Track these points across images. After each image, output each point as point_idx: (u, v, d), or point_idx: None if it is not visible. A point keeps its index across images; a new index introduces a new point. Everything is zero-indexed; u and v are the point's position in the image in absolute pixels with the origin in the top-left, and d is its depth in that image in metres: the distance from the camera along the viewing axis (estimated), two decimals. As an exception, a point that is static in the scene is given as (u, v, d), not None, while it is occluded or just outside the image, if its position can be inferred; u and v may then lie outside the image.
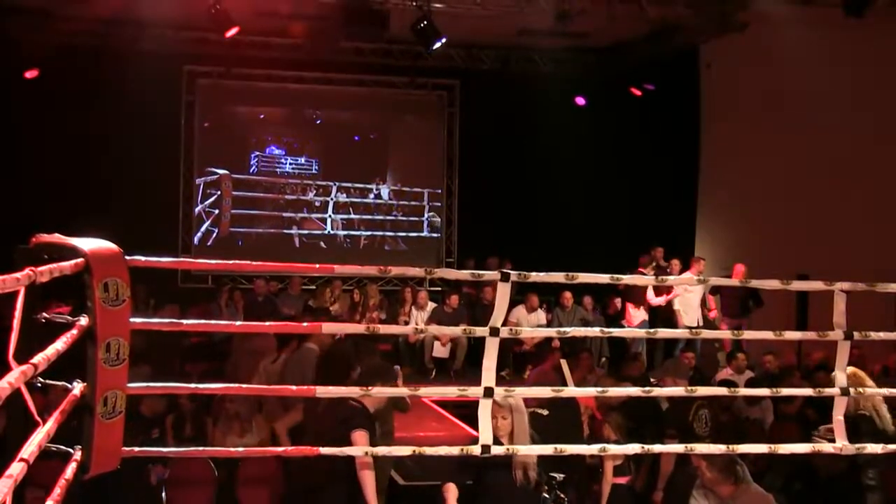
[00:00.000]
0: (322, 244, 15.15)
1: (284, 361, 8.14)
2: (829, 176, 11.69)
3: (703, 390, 5.34)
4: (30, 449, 2.45)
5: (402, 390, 5.65)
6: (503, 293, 3.78)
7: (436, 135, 15.62)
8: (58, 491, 2.64)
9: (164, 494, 6.64)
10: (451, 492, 4.61)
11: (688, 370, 7.34)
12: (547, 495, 5.08)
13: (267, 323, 4.63)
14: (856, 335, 4.21)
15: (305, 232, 15.15)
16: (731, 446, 4.22)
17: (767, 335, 4.38)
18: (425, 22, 11.71)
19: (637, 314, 11.95)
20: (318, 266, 3.95)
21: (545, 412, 6.31)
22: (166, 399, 7.07)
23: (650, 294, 11.89)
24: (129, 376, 2.99)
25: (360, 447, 4.52)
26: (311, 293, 12.46)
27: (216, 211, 14.69)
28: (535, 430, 4.91)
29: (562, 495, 5.30)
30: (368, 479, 4.57)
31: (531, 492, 4.78)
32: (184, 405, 7.44)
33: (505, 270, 3.77)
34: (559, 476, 5.31)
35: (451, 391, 5.21)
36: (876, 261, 9.89)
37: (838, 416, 4.23)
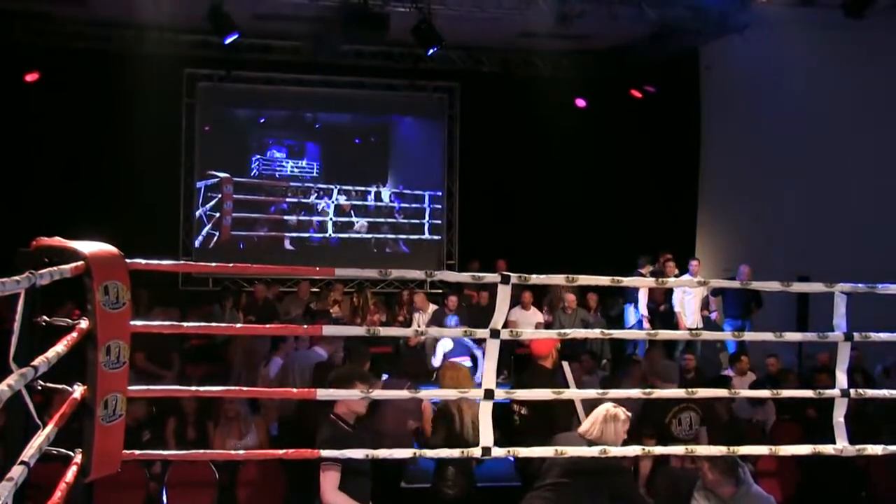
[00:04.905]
0: (324, 246, 15.14)
1: (280, 364, 8.16)
2: (828, 178, 11.67)
3: (700, 392, 5.32)
4: (30, 452, 2.45)
5: (401, 393, 5.64)
6: (503, 296, 3.77)
7: (436, 137, 15.61)
8: (58, 494, 2.65)
9: (164, 498, 6.64)
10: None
11: (676, 373, 7.19)
12: None
13: (268, 325, 4.63)
14: (856, 336, 4.21)
15: (306, 235, 15.14)
16: (731, 448, 4.22)
17: (768, 336, 4.39)
18: (425, 24, 11.71)
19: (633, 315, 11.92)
20: (318, 269, 3.95)
21: (525, 412, 6.23)
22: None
23: (641, 301, 11.77)
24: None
25: (351, 452, 4.46)
26: (315, 296, 12.49)
27: (217, 214, 14.68)
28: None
29: None
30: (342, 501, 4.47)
31: None
32: (186, 408, 7.46)
33: (505, 273, 3.76)
34: None
35: (451, 393, 5.22)
36: (876, 262, 9.88)
37: (838, 418, 4.23)
